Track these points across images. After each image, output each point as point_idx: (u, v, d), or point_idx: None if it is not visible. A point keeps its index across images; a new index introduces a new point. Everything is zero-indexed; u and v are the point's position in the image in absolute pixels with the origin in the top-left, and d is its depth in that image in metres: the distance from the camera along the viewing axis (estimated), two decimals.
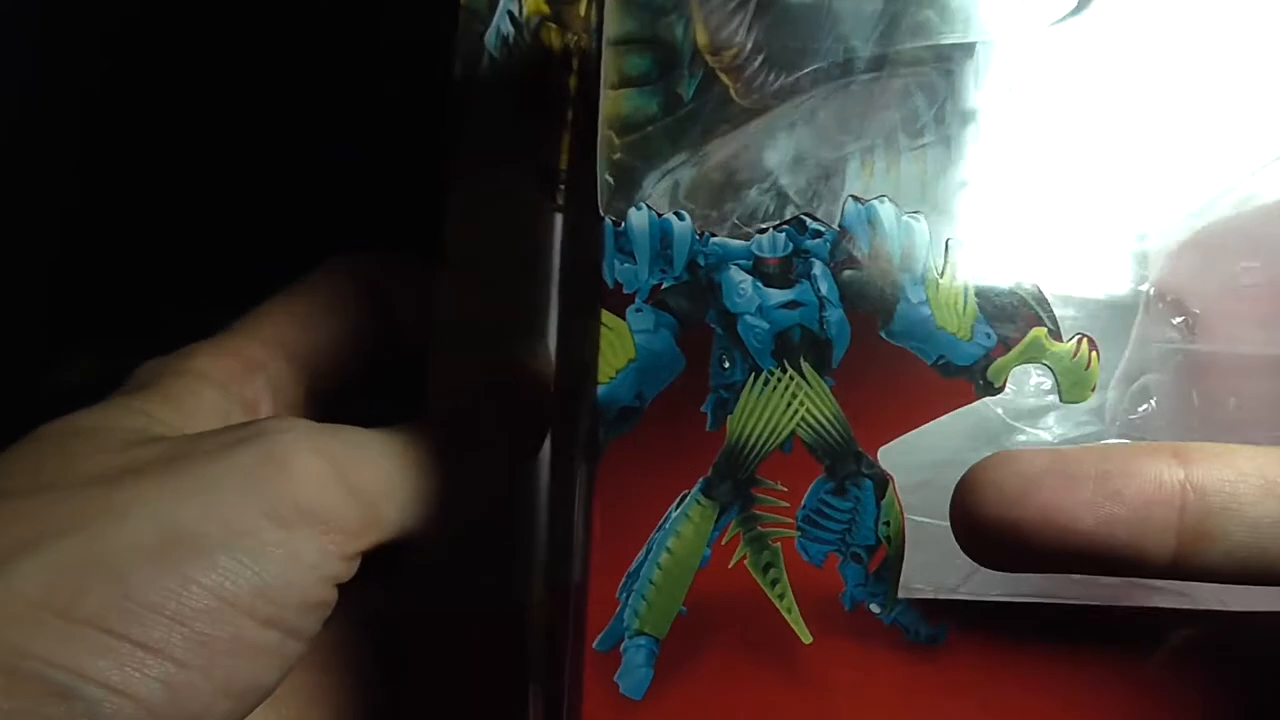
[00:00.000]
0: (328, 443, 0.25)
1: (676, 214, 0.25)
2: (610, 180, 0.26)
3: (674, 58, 0.28)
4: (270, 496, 0.24)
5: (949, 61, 0.30)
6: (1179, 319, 0.29)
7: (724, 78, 0.29)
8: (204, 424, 0.27)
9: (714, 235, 0.25)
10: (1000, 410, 0.28)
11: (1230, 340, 0.29)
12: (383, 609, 0.30)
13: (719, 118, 0.29)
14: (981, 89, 0.29)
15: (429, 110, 0.31)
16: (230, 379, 0.28)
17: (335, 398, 0.30)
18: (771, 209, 0.29)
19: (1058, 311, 0.30)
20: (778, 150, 0.29)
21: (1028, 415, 0.28)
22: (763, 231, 0.26)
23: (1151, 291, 0.29)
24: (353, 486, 0.25)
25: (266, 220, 0.37)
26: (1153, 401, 0.28)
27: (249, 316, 0.29)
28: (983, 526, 0.20)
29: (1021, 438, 0.28)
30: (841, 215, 0.25)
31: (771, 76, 0.29)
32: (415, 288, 0.31)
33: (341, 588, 0.25)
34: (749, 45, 0.29)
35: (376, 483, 0.25)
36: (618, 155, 0.28)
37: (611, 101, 0.28)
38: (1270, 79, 0.29)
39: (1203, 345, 0.29)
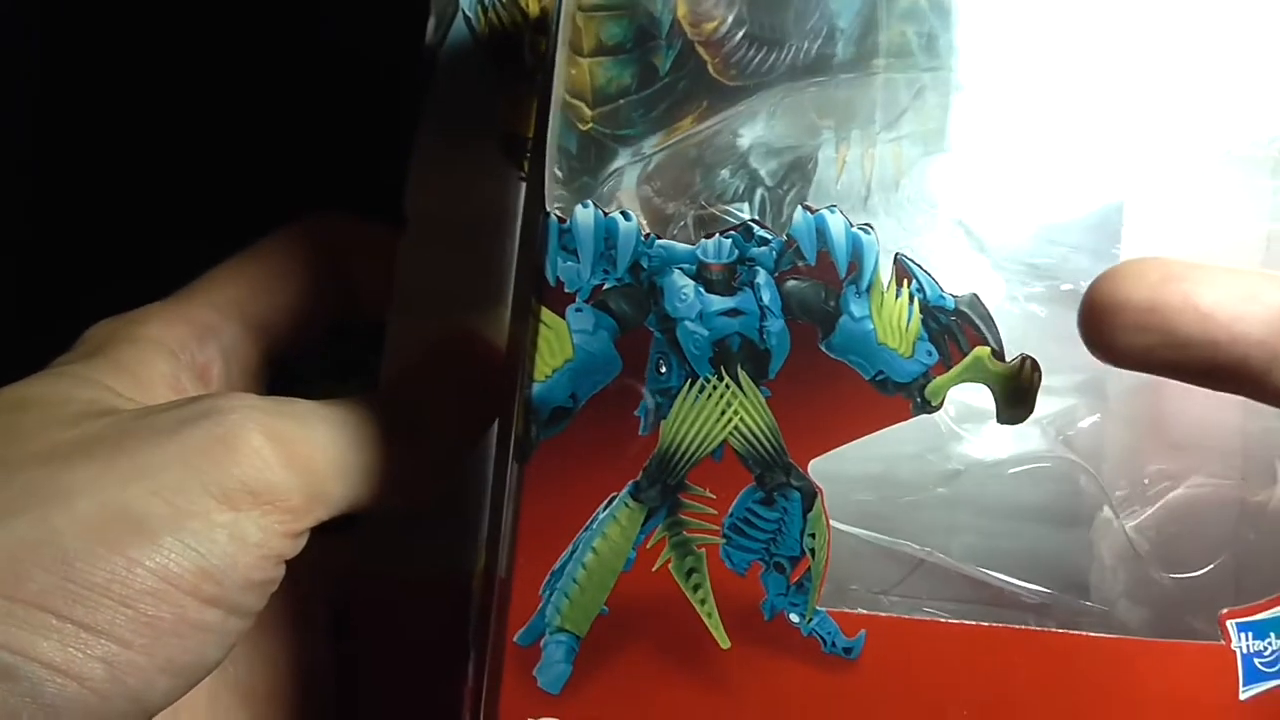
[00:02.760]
0: (275, 421, 0.25)
1: (623, 213, 0.24)
2: (559, 173, 0.25)
3: (652, 27, 0.28)
4: (217, 477, 0.24)
5: (935, 56, 0.29)
6: None
7: (703, 52, 0.28)
8: (155, 392, 0.27)
9: (659, 237, 0.24)
10: (946, 413, 0.28)
11: None
12: (329, 572, 0.30)
13: (695, 94, 0.28)
14: (965, 85, 0.29)
15: (400, 72, 0.31)
16: (182, 345, 0.28)
17: (292, 362, 0.30)
18: (741, 190, 0.29)
19: (1028, 310, 0.30)
20: (753, 132, 0.29)
21: (973, 419, 0.28)
22: (721, 230, 0.25)
23: None
24: (299, 465, 0.25)
25: (230, 182, 0.36)
26: (1098, 416, 0.28)
27: (204, 278, 0.29)
28: (1125, 310, 0.21)
29: (964, 446, 0.28)
30: (789, 224, 0.25)
31: (752, 53, 0.28)
32: (376, 251, 0.31)
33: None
34: (730, 18, 0.28)
35: (323, 460, 0.25)
36: (589, 126, 0.28)
37: (584, 70, 0.28)
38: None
39: None
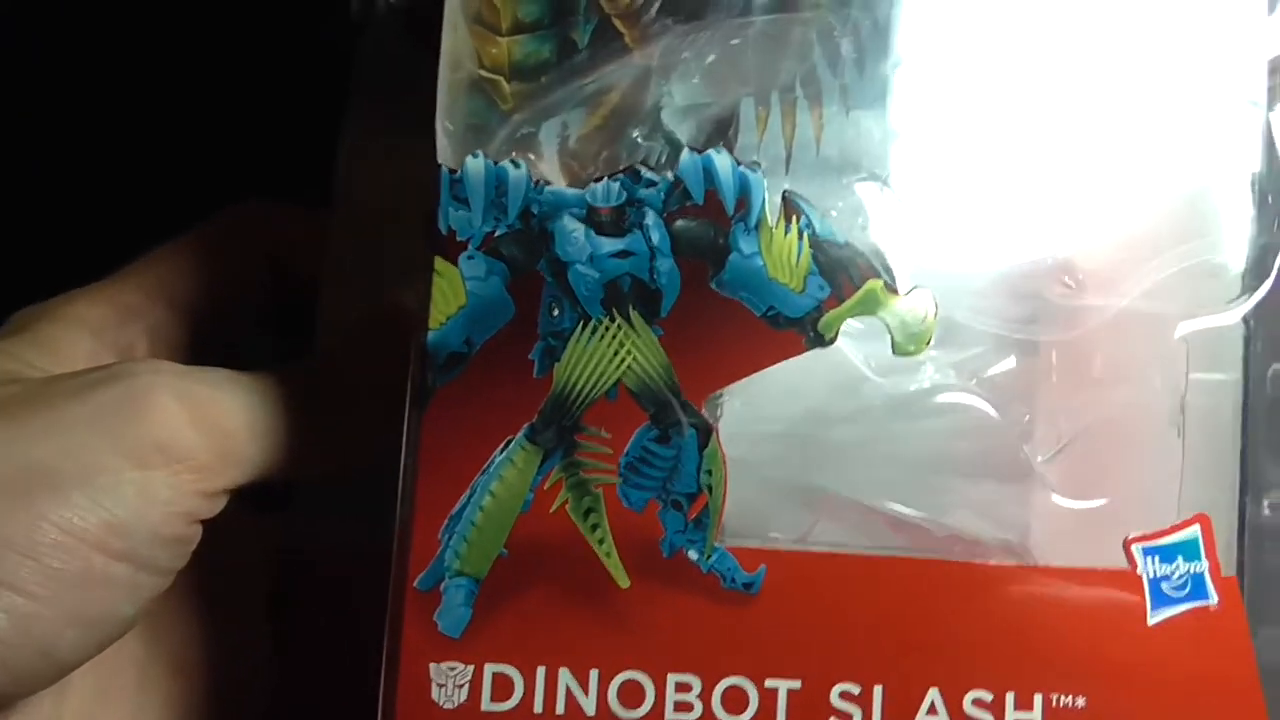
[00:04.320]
0: (187, 383, 0.26)
1: (512, 161, 0.25)
2: (449, 126, 0.26)
3: (569, 2, 0.28)
4: (126, 435, 0.24)
5: (847, 13, 0.29)
6: (1067, 277, 0.29)
7: (619, 24, 0.29)
8: (75, 367, 0.27)
9: (549, 184, 0.25)
10: (860, 360, 0.27)
11: (1115, 295, 0.28)
12: (265, 546, 0.30)
13: (613, 64, 0.29)
14: (886, 39, 0.29)
15: (326, 50, 0.31)
16: (105, 325, 0.28)
17: (222, 345, 0.31)
18: (664, 158, 0.29)
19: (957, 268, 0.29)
20: (672, 97, 0.29)
21: (890, 370, 0.28)
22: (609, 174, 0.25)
23: (1048, 253, 0.29)
24: (210, 426, 0.25)
25: (162, 171, 0.37)
26: (1013, 357, 0.28)
27: (135, 263, 0.30)
28: None
29: (871, 387, 0.27)
30: (676, 165, 0.25)
31: (669, 23, 0.29)
32: (306, 235, 0.31)
33: (223, 524, 0.26)
34: None
35: (236, 422, 0.26)
36: (509, 105, 0.28)
37: (503, 48, 0.28)
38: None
39: (1087, 300, 0.28)
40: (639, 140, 0.29)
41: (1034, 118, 0.29)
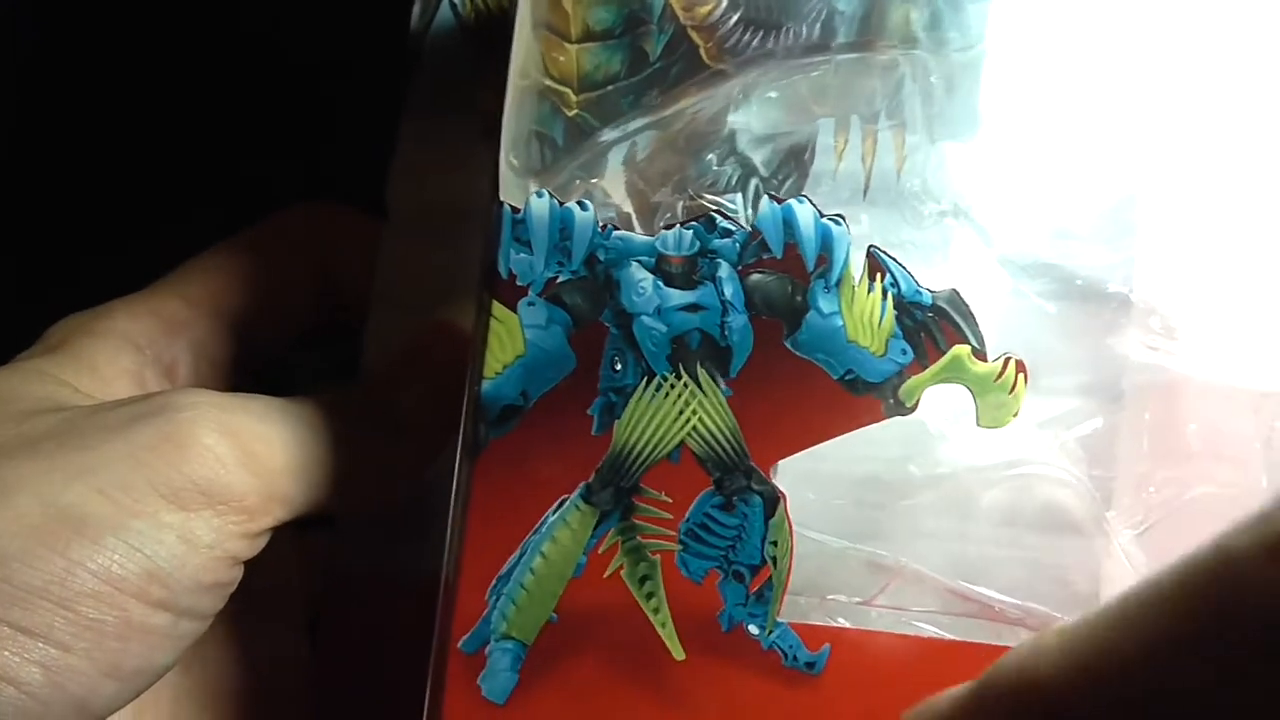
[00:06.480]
0: (231, 418, 0.24)
1: (579, 203, 0.23)
2: (514, 162, 0.24)
3: (643, 11, 0.27)
4: (167, 476, 0.23)
5: (939, 39, 0.27)
6: (1159, 324, 0.27)
7: (696, 36, 0.27)
8: (117, 387, 0.26)
9: (647, 227, 0.23)
10: (929, 418, 0.26)
11: (1208, 361, 0.27)
12: (305, 568, 0.30)
13: (686, 79, 0.27)
14: (977, 70, 0.27)
15: (385, 60, 0.30)
16: (149, 340, 0.27)
17: (267, 356, 0.30)
18: (734, 180, 0.28)
19: (1036, 305, 0.28)
20: (746, 118, 0.28)
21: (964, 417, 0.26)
22: (682, 221, 0.24)
23: (1133, 294, 0.27)
24: (255, 465, 0.24)
25: (213, 174, 0.36)
26: (1101, 419, 0.26)
27: (178, 271, 0.28)
28: None
29: (952, 450, 0.26)
30: (755, 214, 0.23)
31: (747, 38, 0.27)
32: (355, 242, 0.30)
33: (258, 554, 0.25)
34: (725, 1, 0.27)
35: (282, 459, 0.25)
36: (574, 113, 0.27)
37: (571, 56, 0.27)
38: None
39: (1178, 364, 0.27)
40: (713, 164, 0.28)
41: (1123, 152, 0.27)
